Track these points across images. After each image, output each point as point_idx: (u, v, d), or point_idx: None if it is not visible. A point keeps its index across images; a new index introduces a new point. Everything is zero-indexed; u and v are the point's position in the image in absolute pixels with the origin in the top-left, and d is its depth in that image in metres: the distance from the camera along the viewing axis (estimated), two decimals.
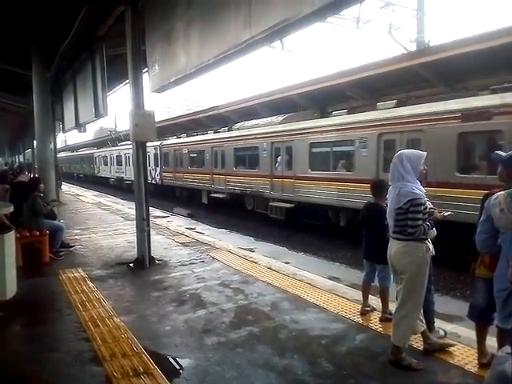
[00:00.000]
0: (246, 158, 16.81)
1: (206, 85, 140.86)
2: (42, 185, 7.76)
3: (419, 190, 3.34)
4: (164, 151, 24.41)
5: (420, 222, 3.29)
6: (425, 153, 3.52)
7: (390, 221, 3.54)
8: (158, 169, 24.86)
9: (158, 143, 24.50)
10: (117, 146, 32.61)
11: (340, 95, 15.70)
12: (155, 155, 25.03)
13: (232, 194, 17.86)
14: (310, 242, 12.37)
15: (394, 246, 3.50)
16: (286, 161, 14.45)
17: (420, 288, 3.42)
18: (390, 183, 3.59)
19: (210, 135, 20.27)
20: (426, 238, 3.43)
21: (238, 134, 17.58)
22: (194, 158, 20.99)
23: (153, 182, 24.46)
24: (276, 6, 3.27)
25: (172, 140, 24.88)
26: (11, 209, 5.51)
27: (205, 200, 20.07)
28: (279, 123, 15.41)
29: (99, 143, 41.61)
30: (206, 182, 19.54)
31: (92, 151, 39.86)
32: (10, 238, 4.93)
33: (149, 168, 24.24)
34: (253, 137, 16.17)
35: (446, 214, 3.68)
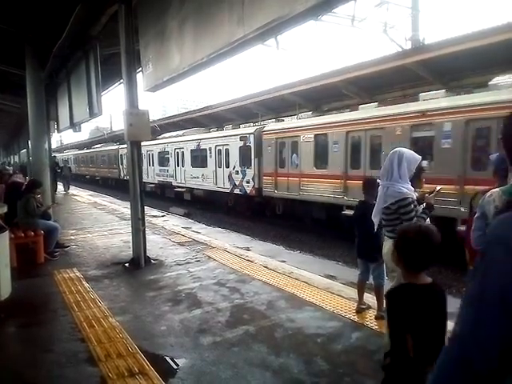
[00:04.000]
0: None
1: (202, 84, 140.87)
2: (39, 190, 7.73)
3: (406, 188, 3.33)
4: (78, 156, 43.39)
5: (414, 220, 3.29)
6: (420, 157, 3.51)
7: (374, 219, 3.54)
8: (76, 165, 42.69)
9: (74, 152, 46.40)
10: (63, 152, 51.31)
11: (336, 93, 15.73)
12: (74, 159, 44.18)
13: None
14: (307, 241, 12.40)
15: (386, 245, 3.51)
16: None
17: None
18: (379, 179, 3.59)
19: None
20: None
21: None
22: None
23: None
24: (269, 4, 3.25)
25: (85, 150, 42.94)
26: (5, 209, 5.48)
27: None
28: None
29: (94, 143, 44.17)
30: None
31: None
32: (4, 238, 4.91)
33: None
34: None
35: (438, 188, 3.59)
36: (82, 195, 21.21)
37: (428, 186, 3.86)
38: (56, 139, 56.56)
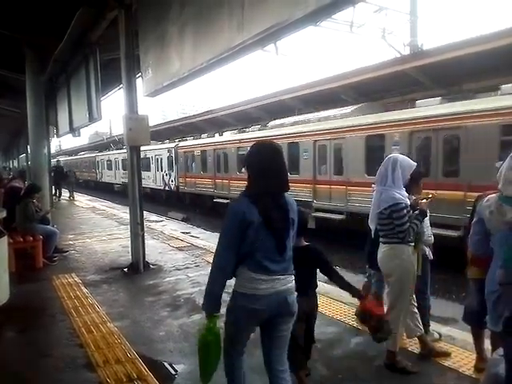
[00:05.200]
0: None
1: (202, 88, 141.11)
2: (37, 194, 7.72)
3: (400, 194, 3.33)
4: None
5: (407, 225, 3.28)
6: (415, 163, 3.52)
7: (371, 224, 3.55)
8: None
9: (64, 158, 45.23)
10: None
11: (335, 99, 15.78)
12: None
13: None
14: None
15: (380, 250, 3.51)
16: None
17: (406, 291, 3.41)
18: (374, 185, 3.60)
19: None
20: (413, 241, 3.43)
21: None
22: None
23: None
24: (268, 10, 3.26)
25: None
26: (4, 214, 5.47)
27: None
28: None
29: (92, 148, 45.38)
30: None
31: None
32: (3, 243, 4.90)
33: None
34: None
35: (430, 195, 3.56)
36: (80, 200, 21.19)
37: (424, 191, 3.87)
38: (55, 144, 56.70)
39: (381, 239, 3.50)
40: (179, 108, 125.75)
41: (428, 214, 3.59)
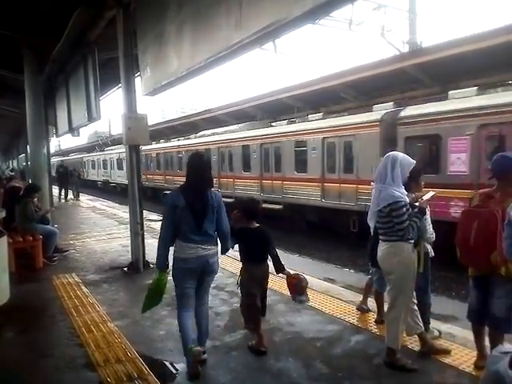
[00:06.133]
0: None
1: (201, 88, 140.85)
2: (37, 194, 7.72)
3: (399, 192, 3.32)
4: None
5: (406, 223, 3.27)
6: (414, 161, 3.50)
7: (370, 222, 3.55)
8: None
9: (56, 159, 44.30)
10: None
11: (334, 97, 15.78)
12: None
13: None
14: (305, 244, 12.37)
15: (380, 248, 3.51)
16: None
17: (407, 288, 3.41)
18: (373, 182, 3.60)
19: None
20: (413, 238, 3.42)
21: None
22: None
23: None
24: (266, 8, 3.26)
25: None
26: (3, 214, 5.47)
27: None
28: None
29: (91, 147, 45.42)
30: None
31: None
32: (2, 243, 4.90)
33: None
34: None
35: (432, 194, 3.53)
36: (80, 199, 21.17)
37: (424, 189, 3.87)
38: (55, 144, 56.69)
39: (380, 237, 3.50)
40: (178, 107, 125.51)
41: (428, 212, 3.60)
